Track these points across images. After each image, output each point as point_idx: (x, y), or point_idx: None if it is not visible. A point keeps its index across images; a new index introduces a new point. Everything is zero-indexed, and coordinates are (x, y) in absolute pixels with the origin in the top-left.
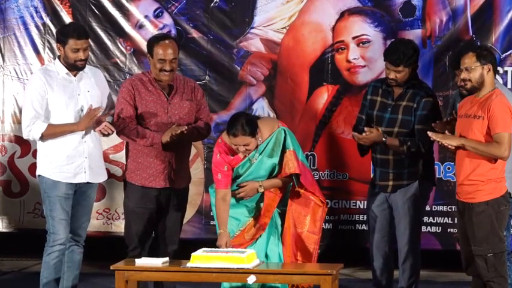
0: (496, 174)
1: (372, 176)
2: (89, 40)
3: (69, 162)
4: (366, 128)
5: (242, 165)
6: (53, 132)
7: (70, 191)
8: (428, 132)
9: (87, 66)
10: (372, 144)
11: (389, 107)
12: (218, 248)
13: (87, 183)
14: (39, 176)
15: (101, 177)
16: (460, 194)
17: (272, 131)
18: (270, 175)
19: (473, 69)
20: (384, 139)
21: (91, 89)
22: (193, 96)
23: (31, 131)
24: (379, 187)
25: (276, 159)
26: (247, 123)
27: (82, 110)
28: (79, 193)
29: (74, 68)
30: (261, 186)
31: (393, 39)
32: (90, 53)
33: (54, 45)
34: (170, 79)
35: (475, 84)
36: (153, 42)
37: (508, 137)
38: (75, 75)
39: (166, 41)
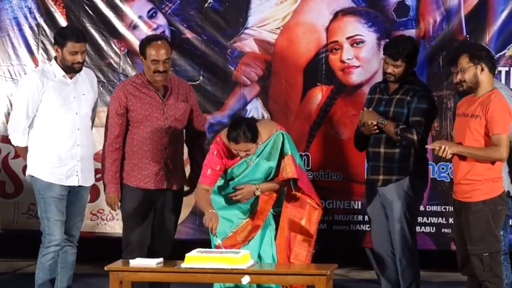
0: (493, 173)
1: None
2: (86, 44)
3: (61, 164)
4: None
5: (238, 166)
6: (22, 155)
7: (64, 192)
8: (426, 146)
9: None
10: (373, 127)
11: (384, 101)
12: (205, 225)
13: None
14: (31, 176)
15: (91, 181)
16: (457, 193)
17: (270, 134)
18: (266, 178)
19: (466, 70)
20: (381, 123)
21: (86, 92)
22: (188, 97)
23: (12, 136)
24: (370, 182)
25: (273, 163)
26: (248, 130)
27: (77, 114)
28: (72, 194)
29: (71, 70)
30: (257, 189)
31: (387, 39)
32: None
33: (48, 46)
34: (164, 80)
35: (470, 84)
36: (145, 43)
37: (507, 138)
38: (71, 78)
39: (159, 42)
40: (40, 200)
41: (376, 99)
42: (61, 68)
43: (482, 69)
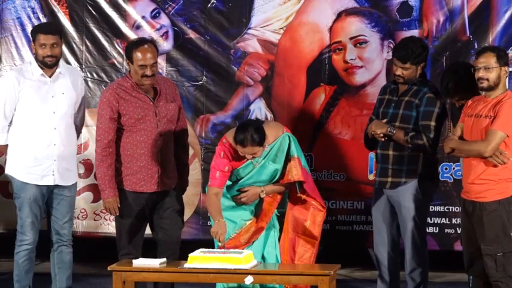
0: (507, 173)
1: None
2: (59, 38)
3: (37, 164)
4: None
5: (244, 167)
6: (4, 153)
7: (40, 193)
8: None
9: (64, 66)
10: (381, 136)
11: (393, 102)
12: (212, 236)
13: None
14: (10, 176)
15: (71, 180)
16: (468, 193)
17: (277, 137)
18: (271, 180)
19: (492, 69)
20: (390, 132)
21: (66, 90)
22: (175, 96)
23: None
24: (378, 183)
25: (279, 165)
26: (255, 133)
27: (54, 113)
28: (55, 194)
29: (44, 65)
30: (263, 191)
31: (390, 39)
32: (87, 54)
33: None
34: (152, 83)
35: (491, 84)
36: (131, 47)
37: (500, 136)
38: (50, 76)
39: (145, 46)
40: (16, 199)
41: (386, 100)
42: (39, 66)
43: (505, 72)
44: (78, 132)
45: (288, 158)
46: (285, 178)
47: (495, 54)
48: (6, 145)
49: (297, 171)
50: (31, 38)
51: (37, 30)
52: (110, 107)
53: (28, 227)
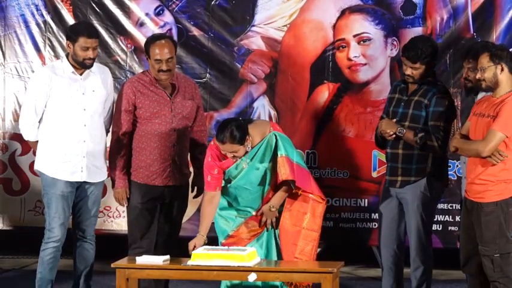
0: (507, 175)
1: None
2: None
3: (66, 160)
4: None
5: (234, 168)
6: (34, 149)
7: (69, 189)
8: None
9: (95, 64)
10: (391, 135)
11: (403, 102)
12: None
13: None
14: (39, 172)
15: (99, 177)
16: (469, 192)
17: (263, 136)
18: (263, 181)
19: (486, 69)
20: (400, 133)
21: (97, 88)
22: (194, 95)
23: (22, 130)
24: (388, 182)
25: (266, 164)
26: (236, 131)
27: (84, 110)
28: (81, 190)
29: (82, 66)
30: (272, 206)
31: (394, 37)
32: None
33: (55, 43)
34: (169, 78)
35: (488, 84)
36: (149, 42)
37: (499, 137)
38: (81, 74)
39: (162, 41)
40: (44, 195)
41: (395, 99)
42: (71, 64)
43: (502, 69)
44: (107, 130)
45: (275, 157)
46: (277, 178)
47: (488, 54)
48: (37, 141)
49: (285, 170)
50: (67, 37)
51: (79, 32)
52: (126, 100)
53: (56, 224)
